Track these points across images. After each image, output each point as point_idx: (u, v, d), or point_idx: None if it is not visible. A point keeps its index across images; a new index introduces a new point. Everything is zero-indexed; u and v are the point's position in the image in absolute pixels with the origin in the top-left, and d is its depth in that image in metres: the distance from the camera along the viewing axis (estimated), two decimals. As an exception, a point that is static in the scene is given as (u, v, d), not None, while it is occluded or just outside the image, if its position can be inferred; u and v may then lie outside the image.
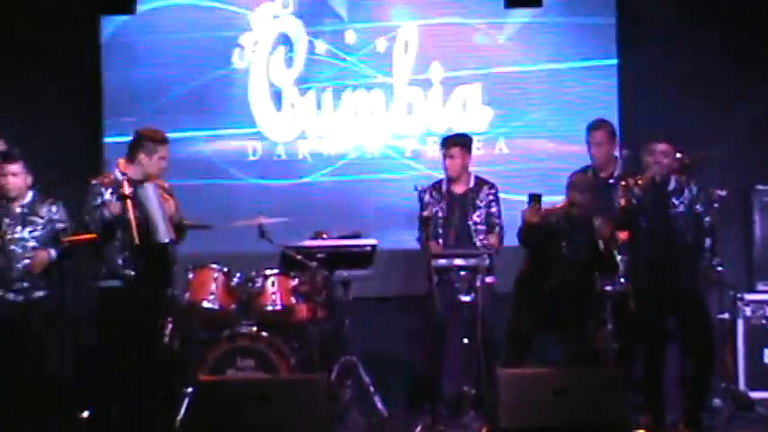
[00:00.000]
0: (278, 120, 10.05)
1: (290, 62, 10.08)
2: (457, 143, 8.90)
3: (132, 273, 7.84)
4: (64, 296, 8.11)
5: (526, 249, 8.56)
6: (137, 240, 7.70)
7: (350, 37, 10.01)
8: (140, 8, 9.86)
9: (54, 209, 8.29)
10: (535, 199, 8.27)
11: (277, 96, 10.06)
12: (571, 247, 8.36)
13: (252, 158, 10.03)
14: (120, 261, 7.85)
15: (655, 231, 8.01)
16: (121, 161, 7.99)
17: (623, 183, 8.11)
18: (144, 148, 7.98)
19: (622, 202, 8.01)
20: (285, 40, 10.09)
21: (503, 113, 9.90)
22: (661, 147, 8.05)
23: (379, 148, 9.97)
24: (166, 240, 7.91)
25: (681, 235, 8.03)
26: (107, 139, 9.81)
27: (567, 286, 8.34)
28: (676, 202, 8.07)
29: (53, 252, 8.19)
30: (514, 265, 8.81)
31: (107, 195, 7.84)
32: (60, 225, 8.27)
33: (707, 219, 8.10)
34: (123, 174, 7.86)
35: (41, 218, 8.25)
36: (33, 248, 8.19)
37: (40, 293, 8.20)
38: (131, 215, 7.70)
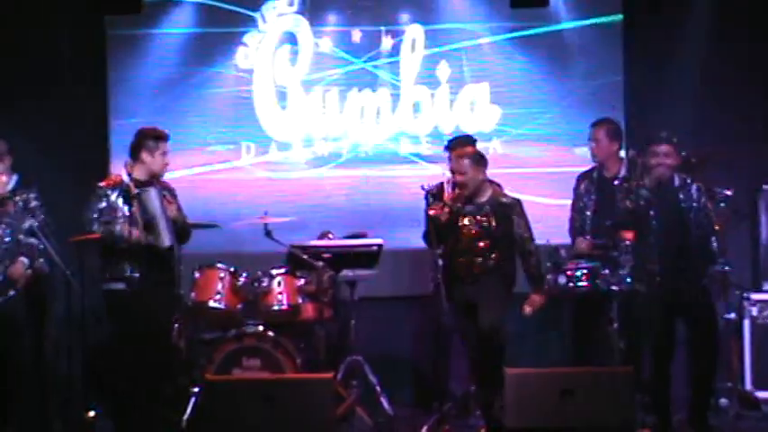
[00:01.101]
0: (283, 119, 10.02)
1: (294, 61, 10.05)
2: (464, 145, 8.88)
3: (137, 275, 7.85)
4: (70, 297, 8.06)
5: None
6: (143, 241, 7.74)
7: (356, 36, 9.99)
8: (145, 7, 9.83)
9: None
10: (433, 195, 8.15)
11: (282, 95, 10.04)
12: (469, 226, 8.19)
13: (256, 158, 10.00)
14: (124, 263, 7.85)
15: (667, 231, 7.99)
16: (129, 163, 8.00)
17: (626, 185, 8.12)
18: (145, 146, 8.02)
19: (628, 204, 8.01)
20: (290, 38, 10.06)
21: (506, 114, 9.91)
22: (662, 148, 8.04)
23: (385, 148, 9.96)
24: (167, 245, 7.92)
25: (693, 230, 8.01)
26: (113, 139, 9.80)
27: (474, 269, 8.17)
28: (684, 197, 8.05)
29: (25, 260, 8.10)
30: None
31: (113, 197, 7.85)
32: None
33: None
34: (129, 175, 7.87)
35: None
36: (11, 261, 8.10)
37: (12, 293, 8.11)
38: (137, 218, 7.73)
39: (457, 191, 8.28)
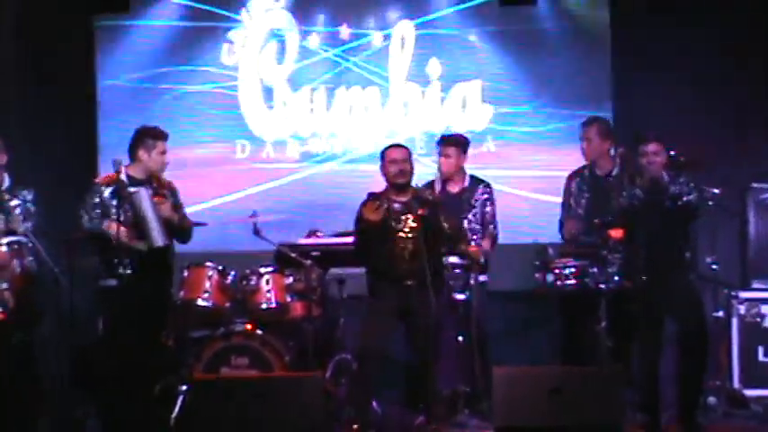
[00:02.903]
0: (269, 118, 10.00)
1: (281, 59, 10.03)
2: (452, 143, 8.87)
3: (129, 272, 7.82)
4: (60, 295, 8.03)
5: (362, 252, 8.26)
6: (129, 243, 7.72)
7: (344, 32, 9.96)
8: (133, 6, 9.81)
9: None
10: (374, 197, 8.11)
11: (268, 94, 10.01)
12: (404, 227, 8.00)
13: (243, 157, 9.98)
14: (116, 260, 7.83)
15: (656, 229, 8.00)
16: (117, 161, 7.96)
17: (620, 182, 8.13)
18: (143, 144, 7.99)
19: (622, 202, 8.02)
20: (277, 35, 10.03)
21: (498, 113, 9.91)
22: (650, 147, 8.04)
23: (373, 147, 9.91)
24: (159, 244, 7.89)
25: (675, 231, 8.03)
26: (101, 137, 9.78)
27: (414, 270, 7.97)
28: (674, 190, 8.06)
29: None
30: (508, 263, 8.80)
31: (106, 194, 7.84)
32: None
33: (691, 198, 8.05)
34: (126, 173, 7.84)
35: None
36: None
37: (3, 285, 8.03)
38: (127, 217, 7.71)
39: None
